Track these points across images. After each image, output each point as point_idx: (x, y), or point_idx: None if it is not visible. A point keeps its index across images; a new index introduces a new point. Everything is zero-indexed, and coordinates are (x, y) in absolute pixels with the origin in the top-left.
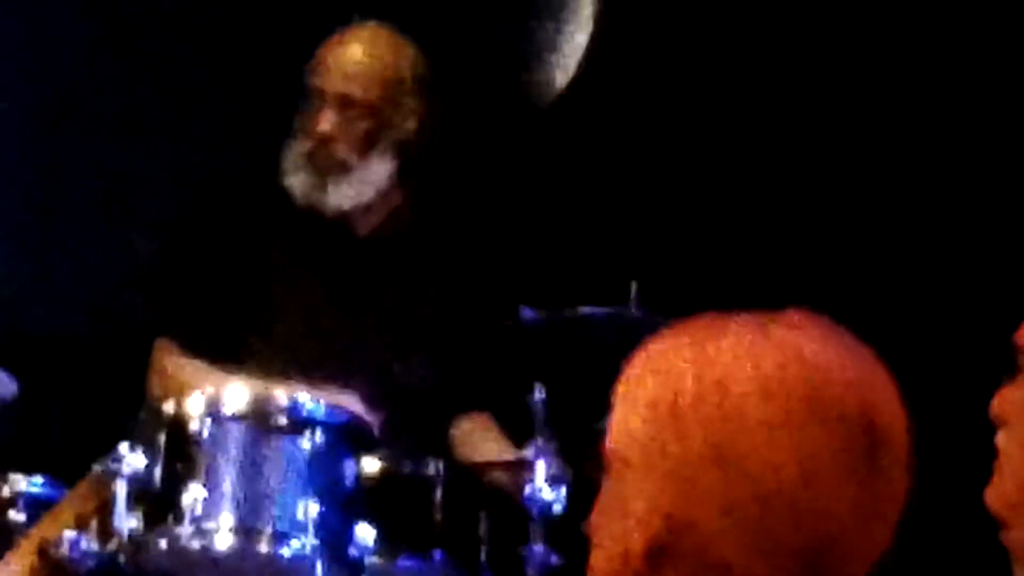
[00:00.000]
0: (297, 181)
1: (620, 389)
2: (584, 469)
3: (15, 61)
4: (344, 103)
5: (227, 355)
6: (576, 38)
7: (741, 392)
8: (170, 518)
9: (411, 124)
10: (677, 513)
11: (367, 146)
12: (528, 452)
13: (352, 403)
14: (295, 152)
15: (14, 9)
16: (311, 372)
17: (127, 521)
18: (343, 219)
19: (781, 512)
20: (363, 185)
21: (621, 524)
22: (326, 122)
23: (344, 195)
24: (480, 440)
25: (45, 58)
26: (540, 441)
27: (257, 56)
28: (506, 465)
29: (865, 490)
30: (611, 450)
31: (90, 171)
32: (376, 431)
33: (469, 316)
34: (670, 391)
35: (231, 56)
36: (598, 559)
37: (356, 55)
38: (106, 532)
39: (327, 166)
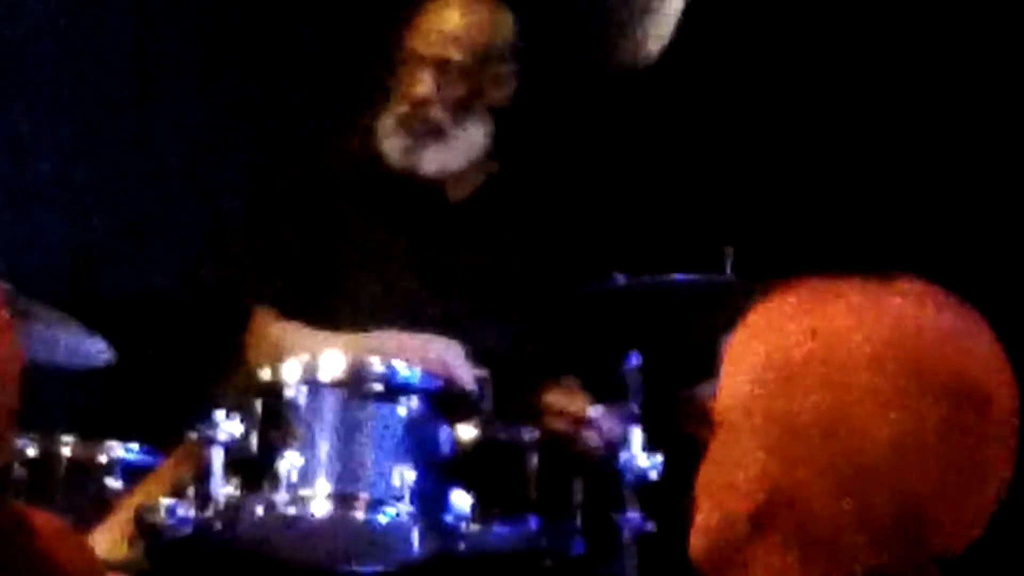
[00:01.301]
0: (391, 145)
1: (729, 353)
2: (688, 430)
3: (102, 18)
4: (441, 67)
5: (318, 321)
6: (671, 4)
7: (850, 359)
8: (266, 485)
9: (507, 89)
10: (782, 479)
11: (463, 110)
12: (592, 411)
13: (457, 352)
14: (390, 115)
15: None
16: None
17: (223, 488)
18: (436, 184)
19: (883, 481)
20: (459, 150)
21: (725, 489)
22: (423, 85)
23: (439, 160)
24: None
25: (133, 19)
26: (634, 408)
27: (345, 17)
28: (567, 416)
29: (970, 460)
30: (718, 414)
31: (179, 133)
32: (479, 386)
33: (559, 281)
34: (779, 356)
35: (318, 18)
36: (701, 523)
37: (454, 19)
38: (202, 499)
39: (423, 130)
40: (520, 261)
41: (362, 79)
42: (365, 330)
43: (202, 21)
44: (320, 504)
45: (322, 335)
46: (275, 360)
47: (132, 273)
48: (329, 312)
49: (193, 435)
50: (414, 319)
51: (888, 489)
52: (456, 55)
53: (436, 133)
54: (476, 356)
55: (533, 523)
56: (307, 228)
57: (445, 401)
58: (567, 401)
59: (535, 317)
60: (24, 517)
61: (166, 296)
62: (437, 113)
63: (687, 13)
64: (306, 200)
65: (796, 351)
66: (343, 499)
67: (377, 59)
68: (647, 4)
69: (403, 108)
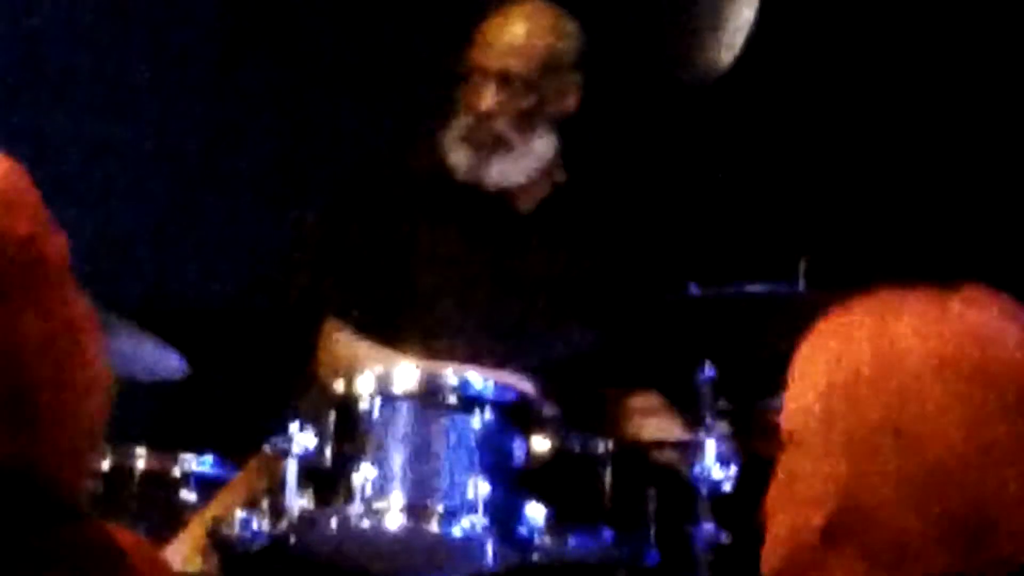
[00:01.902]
0: (458, 157)
1: (795, 366)
2: (754, 446)
3: (170, 32)
4: (505, 79)
5: (389, 332)
6: (742, 14)
7: (917, 368)
8: (340, 497)
9: (572, 100)
10: (852, 490)
11: (528, 123)
12: (698, 434)
13: (529, 387)
14: (455, 128)
15: None
16: (470, 346)
17: (297, 500)
18: (504, 195)
19: (953, 487)
20: (524, 161)
21: (797, 501)
22: (487, 98)
23: (505, 171)
24: (648, 417)
25: (203, 31)
26: (709, 419)
27: (411, 30)
28: (674, 445)
29: None
30: (787, 427)
31: (253, 149)
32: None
33: (630, 290)
34: (846, 368)
35: (386, 30)
36: (774, 536)
37: (517, 31)
38: (276, 511)
39: (488, 143)
40: (591, 271)
41: (429, 91)
42: (437, 339)
43: (272, 32)
44: (394, 517)
45: (391, 351)
46: (346, 373)
47: (205, 283)
48: (400, 322)
49: (267, 448)
50: (485, 329)
51: (958, 497)
52: (519, 68)
53: (501, 145)
54: (545, 363)
55: (607, 535)
56: (378, 239)
57: (519, 413)
58: (663, 428)
59: (608, 327)
60: (106, 532)
61: (239, 306)
62: (501, 126)
63: (759, 23)
64: (377, 211)
65: (862, 363)
66: (417, 511)
67: (443, 71)
68: (719, 14)
69: (467, 121)
